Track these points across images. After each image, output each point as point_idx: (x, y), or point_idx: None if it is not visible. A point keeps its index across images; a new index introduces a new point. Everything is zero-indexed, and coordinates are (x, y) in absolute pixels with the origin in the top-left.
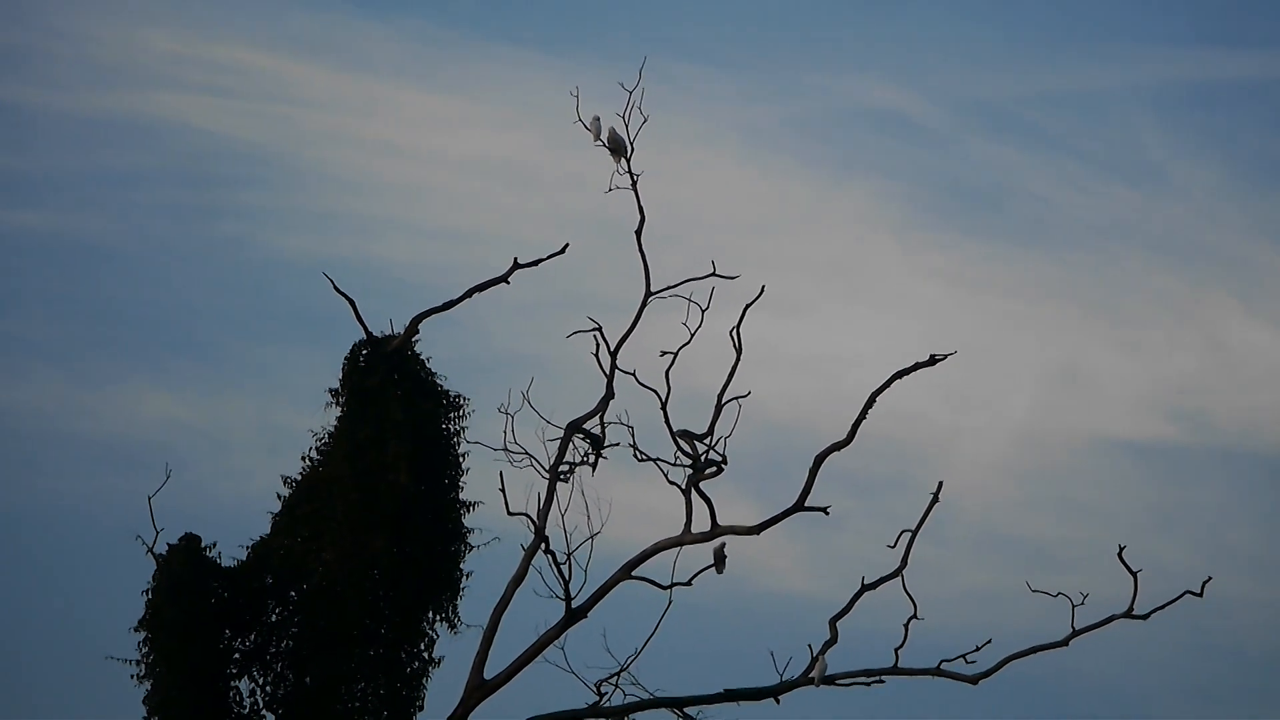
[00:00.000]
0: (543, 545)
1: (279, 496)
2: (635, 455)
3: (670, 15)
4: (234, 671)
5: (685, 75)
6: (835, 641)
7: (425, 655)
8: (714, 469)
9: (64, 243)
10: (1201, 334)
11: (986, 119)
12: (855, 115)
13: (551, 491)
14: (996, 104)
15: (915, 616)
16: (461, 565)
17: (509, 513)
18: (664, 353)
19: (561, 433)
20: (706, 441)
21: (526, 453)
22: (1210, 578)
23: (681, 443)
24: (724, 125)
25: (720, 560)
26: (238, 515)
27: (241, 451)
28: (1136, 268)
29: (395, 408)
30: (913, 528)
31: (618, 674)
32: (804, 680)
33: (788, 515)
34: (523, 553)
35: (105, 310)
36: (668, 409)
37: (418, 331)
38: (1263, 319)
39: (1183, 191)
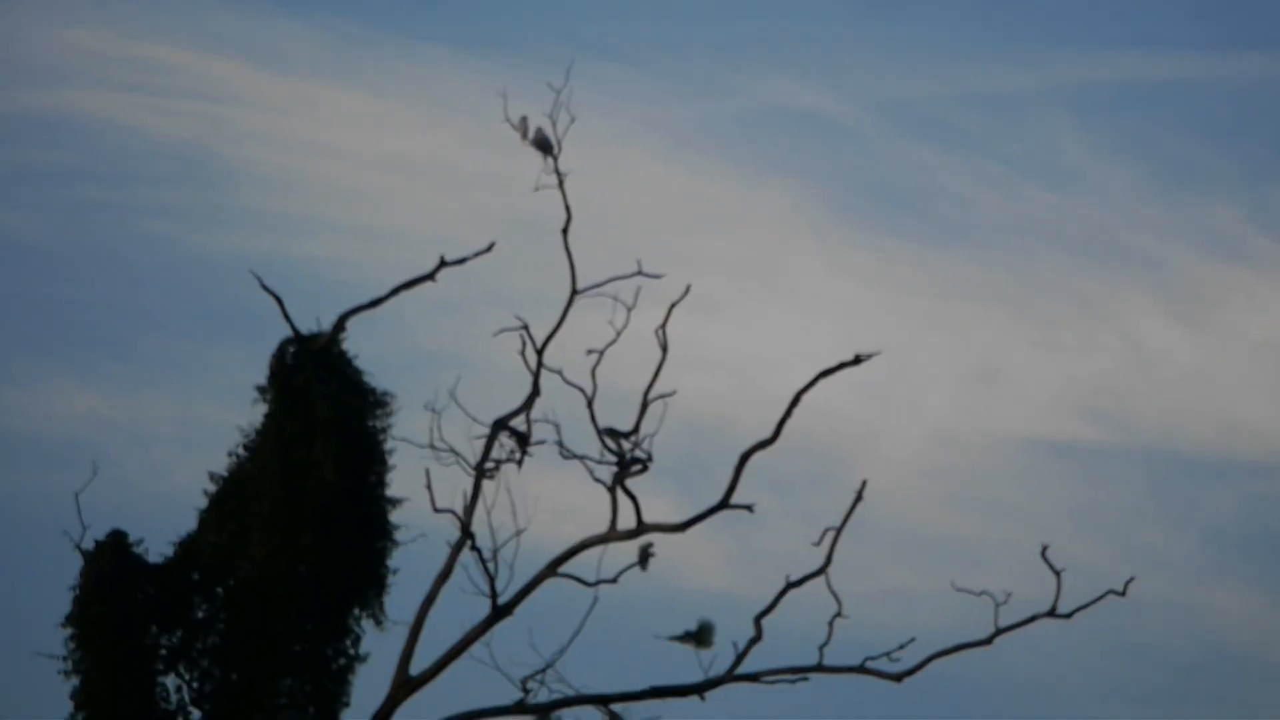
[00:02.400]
0: (469, 542)
1: (205, 493)
2: (561, 453)
3: (588, 14)
4: (160, 668)
5: (603, 74)
6: (760, 639)
7: (352, 652)
8: (639, 467)
9: None
10: (1119, 335)
11: (905, 120)
12: (774, 115)
13: (477, 489)
14: (915, 105)
15: (839, 615)
16: (388, 562)
17: (435, 510)
18: (590, 351)
19: (487, 430)
20: (632, 439)
21: (453, 450)
22: (1133, 577)
23: (607, 440)
24: (642, 124)
25: (645, 559)
26: (161, 511)
27: (163, 447)
28: (1054, 269)
29: (322, 405)
30: (836, 526)
31: (543, 671)
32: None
33: (712, 513)
34: (449, 550)
35: (27, 307)
36: (594, 407)
37: (344, 329)
38: (1180, 321)
39: (1100, 193)
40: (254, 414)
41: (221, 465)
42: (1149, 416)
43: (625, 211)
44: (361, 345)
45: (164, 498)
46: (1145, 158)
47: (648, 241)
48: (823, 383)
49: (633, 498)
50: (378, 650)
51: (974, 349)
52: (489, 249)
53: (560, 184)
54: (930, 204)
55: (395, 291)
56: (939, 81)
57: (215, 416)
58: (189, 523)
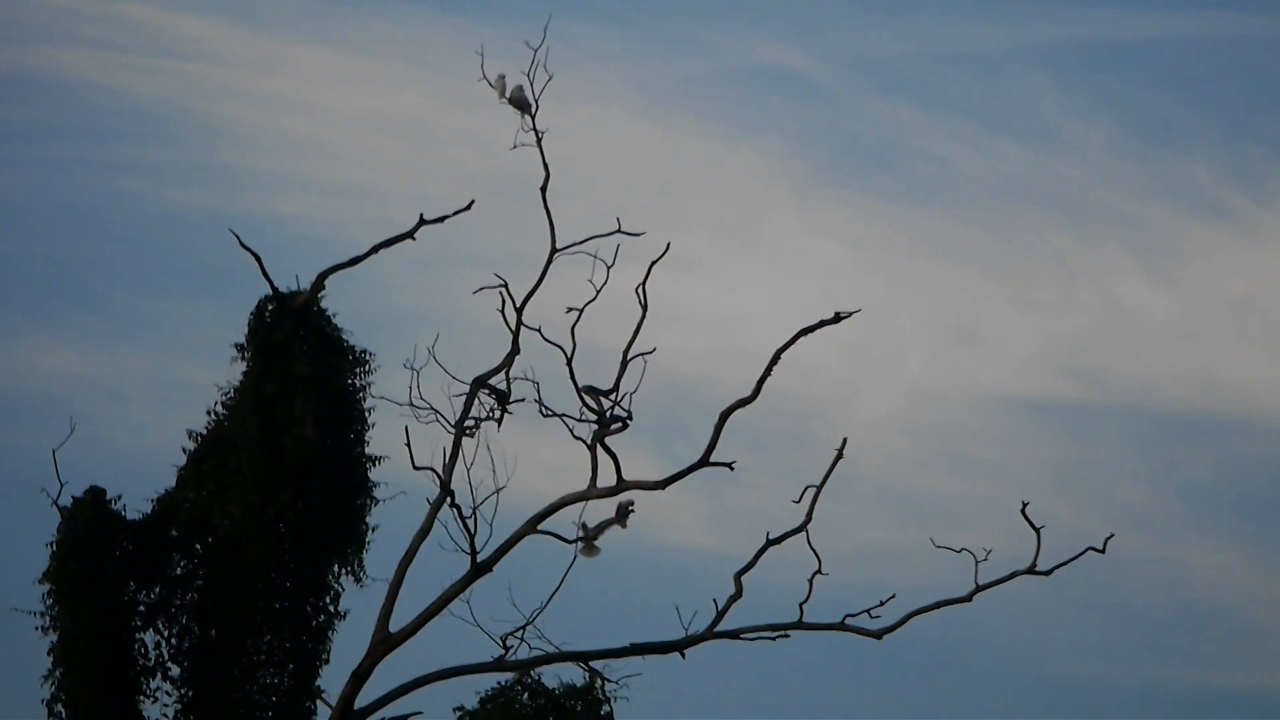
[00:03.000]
0: (448, 500)
1: (184, 450)
2: (541, 411)
3: None
4: (139, 624)
5: (581, 33)
6: (740, 596)
7: (331, 609)
8: (619, 425)
9: None
10: (1096, 292)
11: (881, 78)
12: (751, 74)
13: (457, 446)
14: (891, 63)
15: (819, 572)
16: (367, 519)
17: (414, 467)
18: (569, 309)
19: (467, 388)
20: (612, 397)
21: (432, 408)
22: (1113, 534)
23: (587, 398)
24: (620, 83)
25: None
26: (137, 468)
27: (141, 405)
28: (1031, 227)
29: (301, 363)
30: (816, 484)
31: (523, 628)
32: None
33: (693, 470)
34: (428, 507)
35: (3, 264)
36: (573, 365)
37: (324, 287)
38: (1156, 278)
39: (1077, 151)
40: (233, 372)
41: (200, 423)
42: (1127, 374)
43: (603, 170)
44: (340, 303)
45: (141, 455)
46: (1122, 116)
47: (626, 200)
48: (802, 341)
49: (613, 455)
50: (357, 607)
51: (952, 307)
52: (468, 207)
53: (538, 142)
54: (908, 163)
55: (375, 250)
56: (916, 40)
57: (192, 374)
58: (167, 480)
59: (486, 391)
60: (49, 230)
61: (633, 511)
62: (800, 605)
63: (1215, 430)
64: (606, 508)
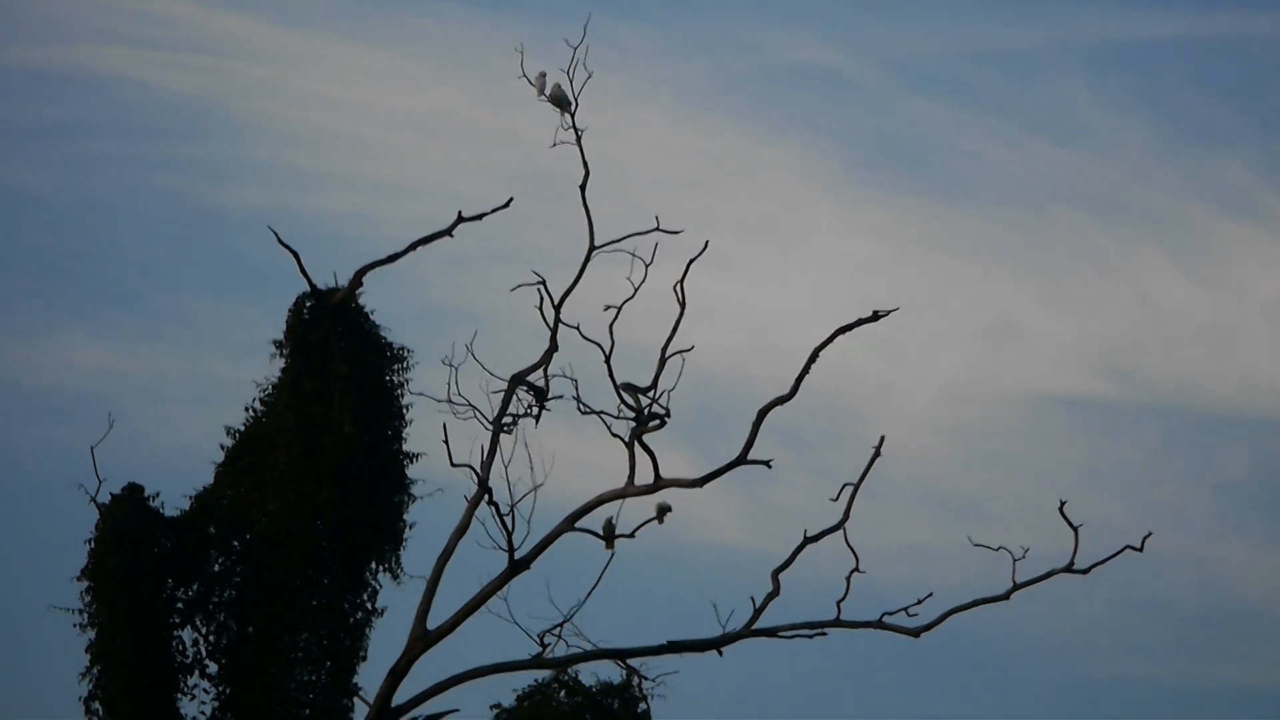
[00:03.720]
0: (486, 497)
1: (222, 447)
2: (579, 408)
3: None
4: (177, 621)
5: (617, 31)
6: (778, 594)
7: (368, 606)
8: (657, 422)
9: None
10: (1132, 291)
11: (917, 77)
12: (787, 72)
13: (495, 443)
14: (927, 62)
15: (857, 570)
16: (405, 516)
17: (452, 464)
18: (608, 307)
19: (505, 385)
20: (650, 395)
21: (470, 405)
22: (1150, 533)
23: (625, 396)
24: (656, 81)
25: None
26: (173, 465)
27: (176, 402)
28: (1067, 225)
29: (339, 360)
30: (853, 481)
31: (561, 625)
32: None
33: (730, 468)
34: (466, 504)
35: (40, 262)
36: (611, 362)
37: (362, 284)
38: (1192, 276)
39: (1113, 150)
40: (271, 369)
41: (238, 420)
42: (1162, 373)
43: (639, 168)
44: (378, 300)
45: (177, 452)
46: (1158, 114)
47: (661, 198)
48: (837, 339)
49: (650, 453)
50: (394, 604)
51: (987, 305)
52: (507, 204)
53: (578, 140)
54: (943, 161)
55: (413, 247)
56: (952, 39)
57: (227, 371)
58: (204, 477)
59: (524, 389)
60: (84, 227)
61: (669, 510)
62: (838, 603)
63: (1251, 428)
64: (644, 505)
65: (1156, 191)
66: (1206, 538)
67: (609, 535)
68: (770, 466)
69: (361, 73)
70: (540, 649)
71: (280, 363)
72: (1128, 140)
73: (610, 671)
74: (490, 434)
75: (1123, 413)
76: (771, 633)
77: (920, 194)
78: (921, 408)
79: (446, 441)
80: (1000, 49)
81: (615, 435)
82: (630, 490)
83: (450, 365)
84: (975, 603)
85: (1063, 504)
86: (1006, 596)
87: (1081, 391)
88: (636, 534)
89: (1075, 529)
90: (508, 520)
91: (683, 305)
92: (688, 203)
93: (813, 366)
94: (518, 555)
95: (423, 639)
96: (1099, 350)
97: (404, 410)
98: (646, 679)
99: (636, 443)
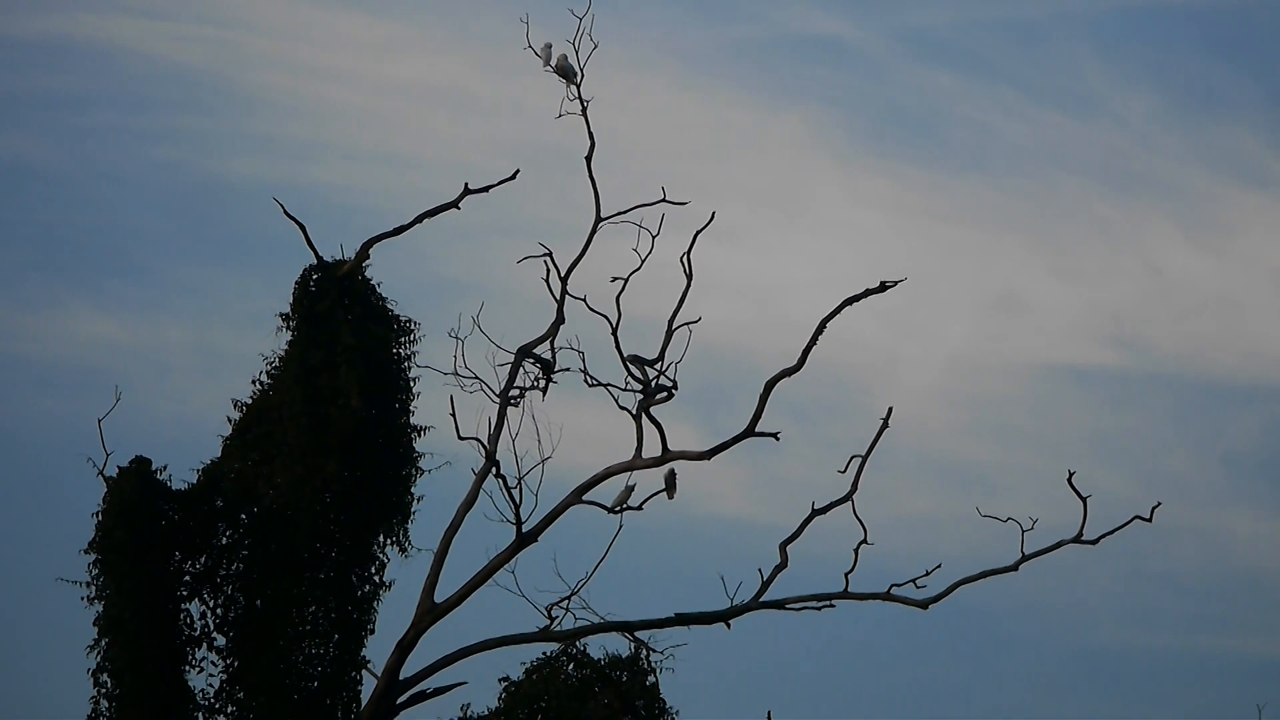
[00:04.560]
0: (493, 469)
1: (229, 420)
2: (586, 380)
3: None
4: (184, 594)
5: (620, 1)
6: (785, 566)
7: (376, 579)
8: (664, 394)
9: (2, 165)
10: (1139, 260)
11: (923, 46)
12: (792, 42)
13: (502, 416)
14: (933, 31)
15: (865, 541)
16: (412, 489)
17: (460, 437)
18: (614, 278)
19: (512, 357)
20: (657, 367)
21: (477, 377)
22: (1159, 503)
23: (632, 368)
24: (661, 51)
25: (671, 485)
26: (179, 437)
27: (181, 374)
28: (1074, 195)
29: (346, 332)
30: (858, 453)
31: (568, 598)
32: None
33: (738, 441)
34: (473, 477)
35: (44, 234)
36: (618, 334)
37: (368, 256)
38: (1200, 246)
39: (1120, 119)
40: (278, 341)
41: (244, 392)
42: (1170, 342)
43: (644, 139)
44: (385, 273)
45: (183, 424)
46: (1165, 83)
47: (667, 169)
48: (844, 311)
49: (658, 425)
50: (402, 577)
51: (994, 276)
52: (514, 176)
53: (584, 111)
54: (950, 131)
55: (419, 219)
56: (958, 8)
57: (233, 343)
58: (211, 450)
59: (531, 361)
60: (88, 199)
61: (676, 477)
62: (846, 575)
63: (1259, 398)
64: (652, 477)
65: (1164, 161)
66: (1214, 508)
67: (670, 485)
68: (778, 439)
69: (365, 43)
70: (548, 622)
71: (287, 335)
72: (1135, 109)
73: (618, 644)
74: (497, 406)
75: (1131, 383)
76: (780, 605)
77: (927, 164)
78: (929, 379)
79: (454, 414)
80: (1007, 17)
81: (623, 407)
82: (638, 462)
83: (457, 338)
84: (984, 574)
85: (1071, 475)
86: (1015, 568)
87: (1089, 362)
88: (644, 506)
89: (1084, 499)
90: (515, 493)
91: (689, 277)
92: (693, 173)
93: (820, 338)
94: (525, 528)
95: (430, 612)
96: (1107, 320)
97: (411, 383)
98: (655, 651)
99: (644, 415)
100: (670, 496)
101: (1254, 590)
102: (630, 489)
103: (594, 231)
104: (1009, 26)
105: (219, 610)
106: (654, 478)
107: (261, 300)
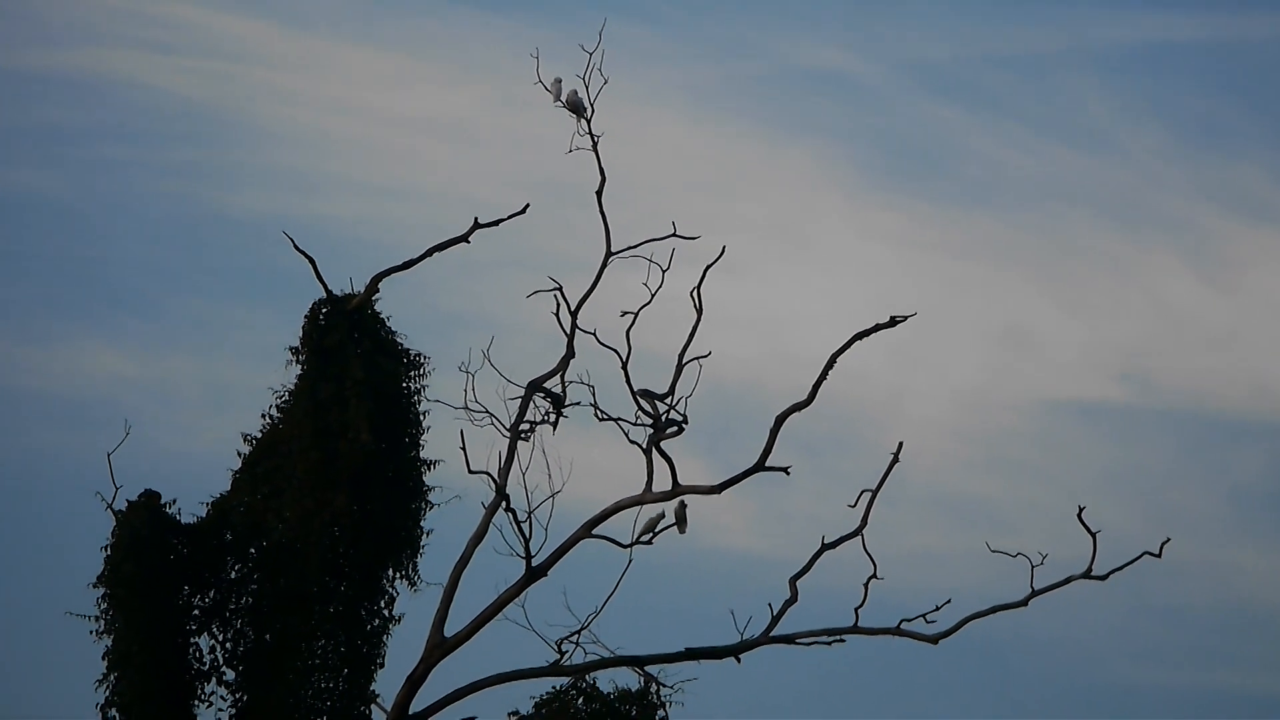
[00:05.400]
0: (503, 503)
1: (239, 454)
2: (596, 415)
3: None
4: (193, 628)
5: (629, 35)
6: (795, 601)
7: (385, 613)
8: (675, 429)
9: (11, 200)
10: (1147, 296)
11: (931, 81)
12: (799, 76)
13: (512, 450)
14: (941, 66)
15: (875, 576)
16: (422, 523)
17: (470, 471)
18: (624, 313)
19: (522, 392)
20: (667, 401)
21: (487, 411)
22: (1169, 539)
23: (642, 402)
24: (669, 86)
25: (682, 519)
26: (187, 470)
27: (190, 408)
28: (1082, 230)
29: (356, 366)
30: (870, 487)
31: (578, 632)
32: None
33: (749, 475)
34: (483, 511)
35: (53, 267)
36: (628, 368)
37: (378, 290)
38: (1206, 281)
39: (1127, 154)
40: (287, 375)
41: (253, 426)
42: (1177, 378)
43: (652, 172)
44: (395, 306)
45: (191, 457)
46: (1172, 118)
47: (675, 202)
48: (852, 345)
49: (668, 459)
50: (412, 611)
51: (1001, 310)
52: (524, 210)
53: (594, 146)
54: (957, 165)
55: (429, 253)
56: (965, 42)
57: (242, 377)
58: (220, 483)
59: (541, 395)
60: (99, 233)
61: (686, 515)
62: (856, 610)
63: (1266, 434)
64: (662, 511)
65: (1170, 196)
66: (1221, 543)
67: (681, 520)
68: (788, 473)
69: (374, 77)
70: (558, 656)
71: (296, 369)
72: (1141, 144)
73: (628, 678)
74: (507, 440)
75: (1137, 418)
76: (789, 639)
77: (934, 198)
78: (936, 413)
79: (464, 448)
80: (1014, 53)
81: (633, 442)
82: (648, 497)
83: (467, 371)
84: (994, 609)
85: (1081, 510)
86: (1025, 603)
87: (1096, 397)
88: (654, 540)
89: (1093, 535)
90: (525, 527)
91: (699, 311)
92: (701, 207)
93: (829, 373)
94: (535, 562)
95: (440, 646)
96: (1113, 355)
97: (421, 417)
98: (665, 686)
99: (654, 449)
100: (681, 531)
101: (1262, 625)
102: (658, 518)
103: (604, 266)
104: (1016, 61)
105: (228, 644)
106: (664, 512)
107: (269, 334)
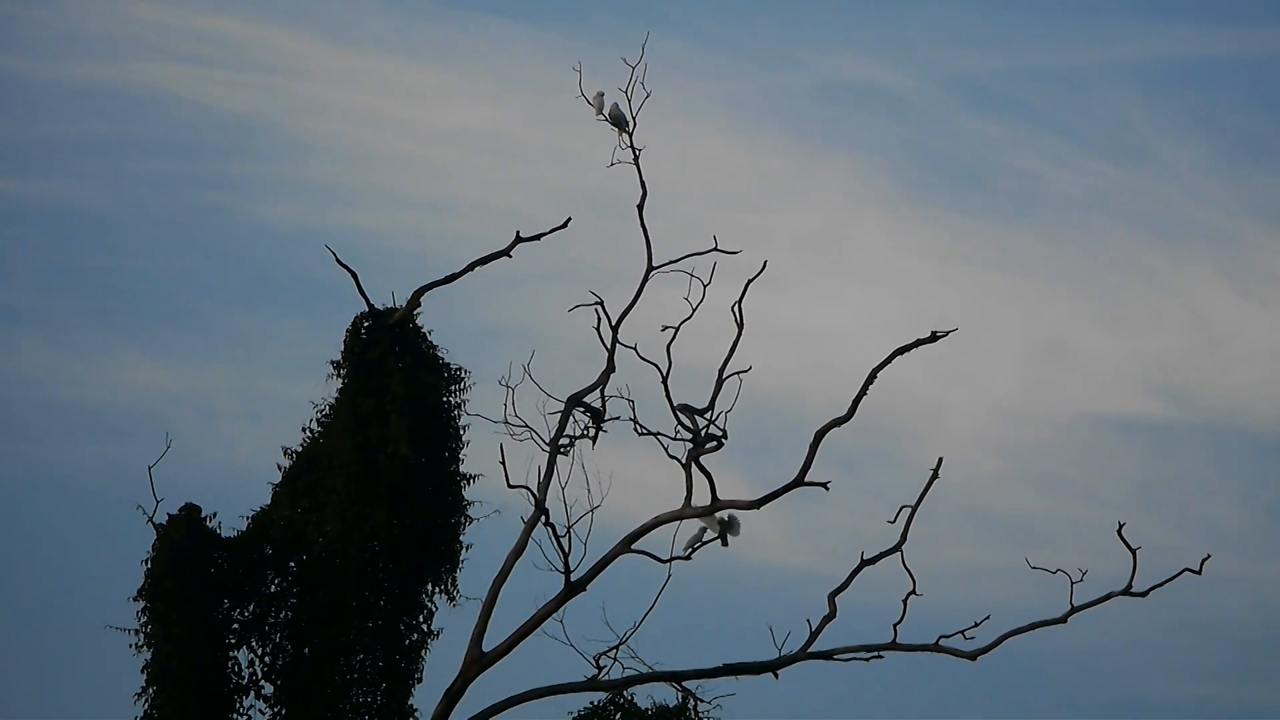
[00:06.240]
0: (543, 518)
1: (279, 467)
2: (636, 429)
3: None
4: (233, 642)
5: (668, 49)
6: (834, 616)
7: (424, 627)
8: (714, 443)
9: (52, 212)
10: (1186, 310)
11: (970, 94)
12: (839, 90)
13: (552, 464)
14: (980, 79)
15: (914, 592)
16: (461, 538)
17: (509, 485)
18: (665, 327)
19: (562, 406)
20: (707, 416)
21: (527, 426)
22: (1209, 555)
23: (682, 417)
24: (708, 99)
25: (734, 526)
26: (226, 483)
27: (229, 420)
28: (1121, 244)
29: (396, 380)
30: (905, 502)
31: (616, 647)
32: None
33: (788, 490)
34: (522, 525)
35: (94, 279)
36: (668, 383)
37: (419, 304)
38: (1247, 296)
39: (1167, 168)
40: (327, 389)
41: (291, 440)
42: (1216, 393)
43: (690, 185)
44: (435, 320)
45: (230, 470)
46: (1212, 132)
47: (712, 216)
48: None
49: (707, 475)
50: (450, 626)
51: (1040, 325)
52: (565, 225)
53: (635, 160)
54: (996, 179)
55: (471, 267)
56: (1004, 56)
57: (280, 390)
58: (260, 497)
59: (581, 409)
60: (139, 245)
61: (730, 524)
62: (894, 626)
63: None
64: (702, 526)
65: (1211, 211)
66: (1260, 558)
67: (724, 530)
68: (828, 489)
69: (415, 90)
70: (596, 671)
71: (338, 383)
72: (1183, 159)
73: (666, 694)
74: (547, 455)
75: (1175, 433)
76: (828, 655)
77: (973, 212)
78: (974, 427)
79: (503, 462)
80: (1053, 67)
81: (672, 456)
82: (687, 511)
83: (507, 386)
84: (1033, 625)
85: (1121, 526)
86: (1064, 619)
87: (1134, 412)
88: (692, 555)
89: (1133, 551)
90: (564, 541)
91: (740, 326)
92: (740, 220)
93: (869, 387)
94: (574, 577)
95: (478, 661)
96: (1152, 370)
97: (461, 431)
98: (702, 701)
99: (694, 464)
100: (725, 544)
101: None
102: (703, 529)
103: (645, 280)
104: (1056, 75)
105: (267, 658)
106: (705, 527)
107: (307, 346)
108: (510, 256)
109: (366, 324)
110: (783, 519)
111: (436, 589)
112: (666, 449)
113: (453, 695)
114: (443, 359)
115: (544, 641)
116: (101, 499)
